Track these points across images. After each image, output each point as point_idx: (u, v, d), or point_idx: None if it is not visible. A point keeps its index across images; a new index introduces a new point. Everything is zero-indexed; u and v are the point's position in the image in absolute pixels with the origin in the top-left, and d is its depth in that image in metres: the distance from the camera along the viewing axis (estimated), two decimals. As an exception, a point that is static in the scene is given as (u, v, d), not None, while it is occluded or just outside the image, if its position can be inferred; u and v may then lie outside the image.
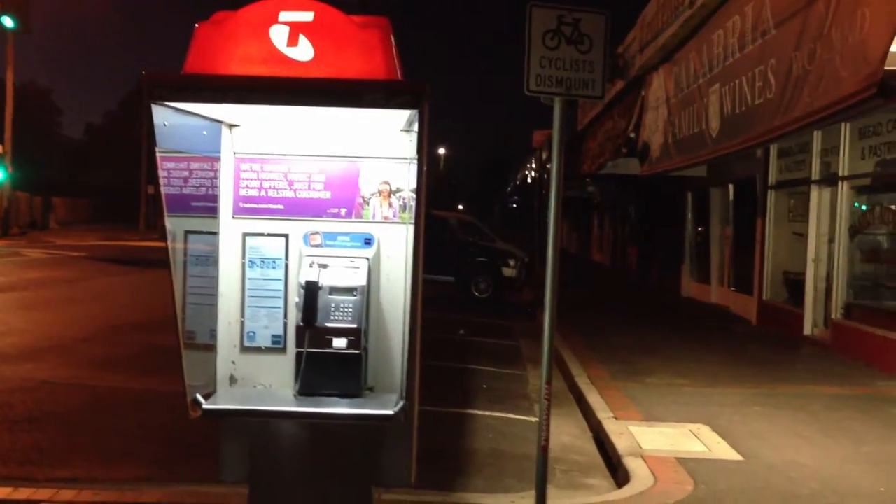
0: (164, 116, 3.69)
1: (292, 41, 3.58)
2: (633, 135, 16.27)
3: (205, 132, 4.13)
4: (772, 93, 9.18)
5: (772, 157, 14.35)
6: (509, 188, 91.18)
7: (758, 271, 14.82)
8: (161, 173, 4.00)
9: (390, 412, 3.73)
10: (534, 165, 46.40)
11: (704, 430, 7.23)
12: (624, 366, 10.25)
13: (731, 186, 17.39)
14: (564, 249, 38.08)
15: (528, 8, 4.94)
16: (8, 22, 25.52)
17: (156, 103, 3.55)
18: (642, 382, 9.33)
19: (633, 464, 6.25)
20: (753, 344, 12.68)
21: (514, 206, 72.10)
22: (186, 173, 4.26)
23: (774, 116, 9.06)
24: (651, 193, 22.64)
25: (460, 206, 75.39)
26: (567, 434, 7.54)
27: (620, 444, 6.74)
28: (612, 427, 7.25)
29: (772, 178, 14.53)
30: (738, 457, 6.52)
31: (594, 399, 8.37)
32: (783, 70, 8.83)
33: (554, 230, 5.23)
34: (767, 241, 14.55)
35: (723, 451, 6.69)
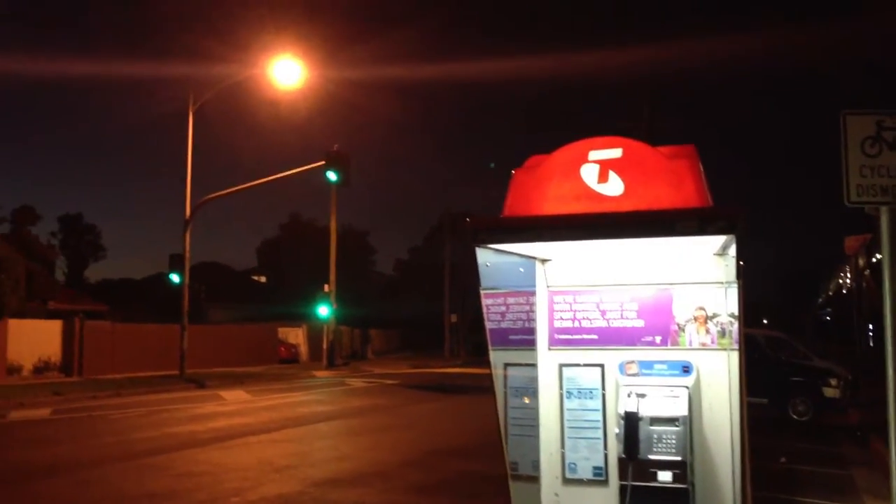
0: (486, 258, 3.97)
1: (602, 178, 3.73)
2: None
3: (521, 269, 4.36)
4: None
5: None
6: (820, 299, 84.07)
7: None
8: (483, 309, 4.28)
9: (726, 553, 3.52)
10: (848, 274, 42.60)
11: None
12: None
13: None
14: None
15: (842, 116, 4.71)
16: (332, 176, 28.86)
17: (480, 246, 3.84)
18: None
19: None
20: None
21: (828, 318, 66.19)
22: (504, 308, 4.50)
23: None
24: None
25: (765, 321, 70.74)
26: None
27: None
28: None
29: None
30: None
31: (958, 543, 7.19)
32: None
33: (892, 347, 4.76)
34: None
35: None
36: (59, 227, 55.32)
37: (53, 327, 30.19)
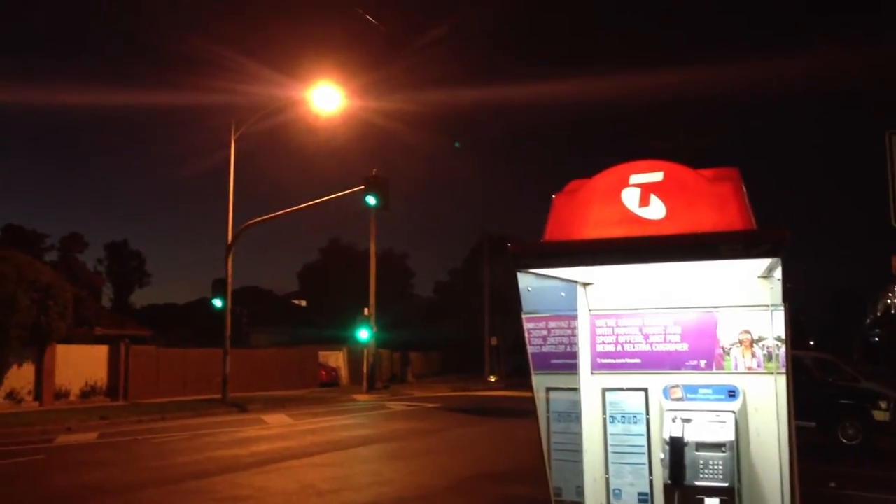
0: (528, 282, 3.97)
1: (644, 201, 3.71)
2: None
3: (563, 293, 4.35)
4: None
5: None
6: (868, 320, 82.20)
7: None
8: (524, 334, 4.27)
9: (776, 582, 3.44)
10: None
11: None
12: None
13: None
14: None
15: (887, 136, 4.63)
16: (371, 200, 29.06)
17: (521, 271, 3.84)
18: None
19: None
20: None
21: (877, 339, 64.64)
22: (545, 332, 4.48)
23: None
24: None
25: (811, 342, 69.42)
26: None
27: None
28: None
29: None
30: None
31: None
32: None
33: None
34: None
35: None
36: (106, 254, 56.56)
37: (100, 352, 30.72)
